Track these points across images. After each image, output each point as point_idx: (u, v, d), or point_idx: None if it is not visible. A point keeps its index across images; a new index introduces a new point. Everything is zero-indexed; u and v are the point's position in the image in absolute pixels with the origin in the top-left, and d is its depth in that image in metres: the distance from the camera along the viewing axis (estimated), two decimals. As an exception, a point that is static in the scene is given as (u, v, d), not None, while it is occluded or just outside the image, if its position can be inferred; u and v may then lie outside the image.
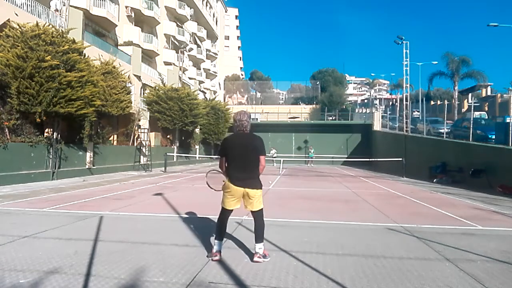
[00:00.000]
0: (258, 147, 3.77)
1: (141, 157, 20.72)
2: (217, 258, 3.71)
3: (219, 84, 52.88)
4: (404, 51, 23.46)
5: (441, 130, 19.51)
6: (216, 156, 33.29)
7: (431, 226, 5.81)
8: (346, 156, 33.65)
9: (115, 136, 20.46)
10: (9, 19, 13.11)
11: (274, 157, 30.73)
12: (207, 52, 45.30)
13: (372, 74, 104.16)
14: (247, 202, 3.80)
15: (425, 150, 19.04)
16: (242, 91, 64.28)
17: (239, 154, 3.74)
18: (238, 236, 4.91)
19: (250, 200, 3.77)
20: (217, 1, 52.66)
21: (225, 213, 3.89)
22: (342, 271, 3.48)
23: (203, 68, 43.91)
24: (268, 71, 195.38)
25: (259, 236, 3.76)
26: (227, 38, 70.18)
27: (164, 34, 32.51)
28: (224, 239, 3.99)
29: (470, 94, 37.82)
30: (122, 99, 17.62)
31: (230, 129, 34.02)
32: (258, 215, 3.83)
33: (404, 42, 23.46)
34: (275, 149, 32.45)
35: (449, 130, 19.38)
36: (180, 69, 31.38)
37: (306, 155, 34.73)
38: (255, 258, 3.70)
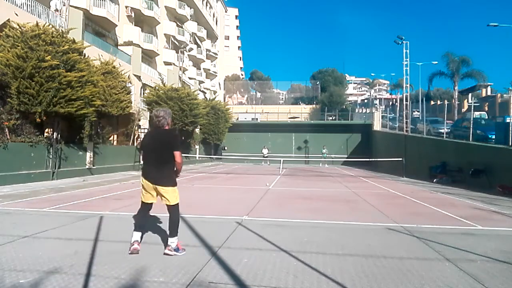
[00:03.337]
0: (171, 143, 3.86)
1: (141, 157, 20.69)
2: (133, 247, 3.81)
3: (219, 84, 52.88)
4: (404, 51, 23.48)
5: (441, 130, 19.51)
6: (216, 156, 33.69)
7: (431, 226, 5.81)
8: (346, 156, 33.65)
9: (115, 136, 20.46)
10: (9, 19, 13.11)
11: (266, 157, 30.99)
12: (207, 52, 45.29)
13: (372, 74, 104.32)
14: (161, 197, 3.92)
15: (425, 150, 19.04)
16: (242, 91, 64.29)
17: (151, 150, 3.90)
18: (238, 236, 4.92)
19: (163, 196, 3.88)
20: (217, 1, 52.66)
21: (142, 206, 4.04)
22: (342, 271, 3.48)
23: (203, 68, 43.91)
24: (268, 71, 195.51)
25: (171, 231, 3.88)
26: (227, 38, 70.15)
27: (164, 34, 32.50)
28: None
29: (470, 94, 37.83)
30: (122, 99, 17.61)
31: (230, 129, 34.10)
32: (170, 210, 3.91)
33: (404, 42, 23.47)
34: (267, 148, 32.66)
35: (449, 130, 19.38)
36: (180, 69, 31.39)
37: (306, 155, 34.82)
38: (166, 250, 3.83)
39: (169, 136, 3.91)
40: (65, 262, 3.57)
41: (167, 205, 3.91)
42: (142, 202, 4.02)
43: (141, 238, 3.99)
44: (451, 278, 3.35)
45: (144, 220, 4.08)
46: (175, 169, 3.94)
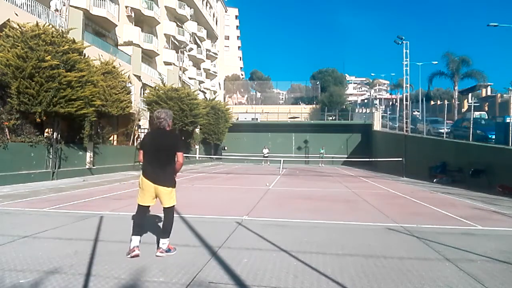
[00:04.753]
0: (175, 144, 3.87)
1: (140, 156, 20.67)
2: (134, 253, 3.74)
3: (219, 84, 52.87)
4: (404, 51, 23.42)
5: (441, 130, 19.50)
6: (216, 156, 33.71)
7: (431, 226, 5.81)
8: (346, 156, 33.67)
9: (115, 136, 20.45)
10: (9, 19, 13.11)
11: (266, 157, 31.05)
12: (207, 52, 45.28)
13: (372, 74, 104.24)
14: (160, 198, 3.87)
15: (425, 150, 19.03)
16: (242, 91, 64.29)
17: (154, 150, 3.85)
18: (238, 236, 4.92)
19: (161, 197, 3.84)
20: (217, 1, 52.65)
21: (140, 209, 3.95)
22: (342, 271, 3.48)
23: (203, 68, 43.90)
24: (268, 71, 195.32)
25: (164, 232, 3.88)
26: (227, 38, 70.14)
27: (164, 34, 32.50)
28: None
29: (470, 94, 37.81)
30: (122, 99, 17.61)
31: (230, 129, 34.10)
32: (167, 212, 3.90)
33: (404, 42, 23.42)
34: (268, 148, 32.72)
35: (449, 130, 19.37)
36: (180, 69, 31.38)
37: (306, 155, 34.84)
38: (157, 253, 3.82)
39: (174, 137, 3.97)
40: (65, 262, 3.57)
41: (164, 207, 3.88)
42: (139, 205, 3.94)
43: (139, 241, 3.94)
44: (451, 278, 3.35)
45: (143, 223, 4.03)
46: (174, 169, 3.91)
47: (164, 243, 3.85)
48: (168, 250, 3.87)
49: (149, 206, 3.97)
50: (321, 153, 31.50)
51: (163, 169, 3.82)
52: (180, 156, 3.86)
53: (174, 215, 4.03)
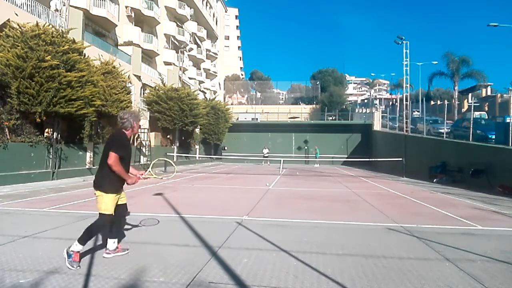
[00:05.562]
0: (109, 144, 3.61)
1: (141, 157, 20.70)
2: (103, 255, 3.72)
3: (219, 84, 52.87)
4: (404, 51, 23.47)
5: (441, 130, 19.51)
6: (216, 156, 33.73)
7: (431, 226, 5.81)
8: (346, 156, 33.67)
9: (115, 136, 20.44)
10: (9, 19, 13.11)
11: (266, 157, 31.07)
12: (207, 52, 45.29)
13: (372, 74, 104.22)
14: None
15: (425, 150, 19.04)
16: (242, 91, 64.32)
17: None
18: (238, 236, 4.92)
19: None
20: (217, 1, 52.65)
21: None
22: (342, 271, 3.48)
23: (203, 68, 43.90)
24: (268, 71, 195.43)
25: (82, 236, 3.52)
26: (227, 38, 70.16)
27: (164, 34, 32.50)
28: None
29: (470, 94, 37.83)
30: (122, 99, 17.58)
31: (230, 129, 34.11)
32: (99, 217, 3.64)
33: (404, 42, 23.45)
34: (268, 148, 32.74)
35: (449, 130, 19.37)
36: (180, 69, 31.38)
37: (305, 155, 34.87)
38: (64, 253, 3.48)
39: (111, 137, 3.73)
40: (65, 262, 3.56)
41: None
42: None
43: (118, 242, 3.86)
44: (451, 278, 3.35)
45: (114, 226, 3.81)
46: (110, 172, 3.54)
47: (73, 249, 3.42)
48: (70, 256, 3.39)
49: (119, 209, 3.76)
50: (317, 152, 31.49)
51: (100, 171, 3.68)
52: (110, 156, 3.46)
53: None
